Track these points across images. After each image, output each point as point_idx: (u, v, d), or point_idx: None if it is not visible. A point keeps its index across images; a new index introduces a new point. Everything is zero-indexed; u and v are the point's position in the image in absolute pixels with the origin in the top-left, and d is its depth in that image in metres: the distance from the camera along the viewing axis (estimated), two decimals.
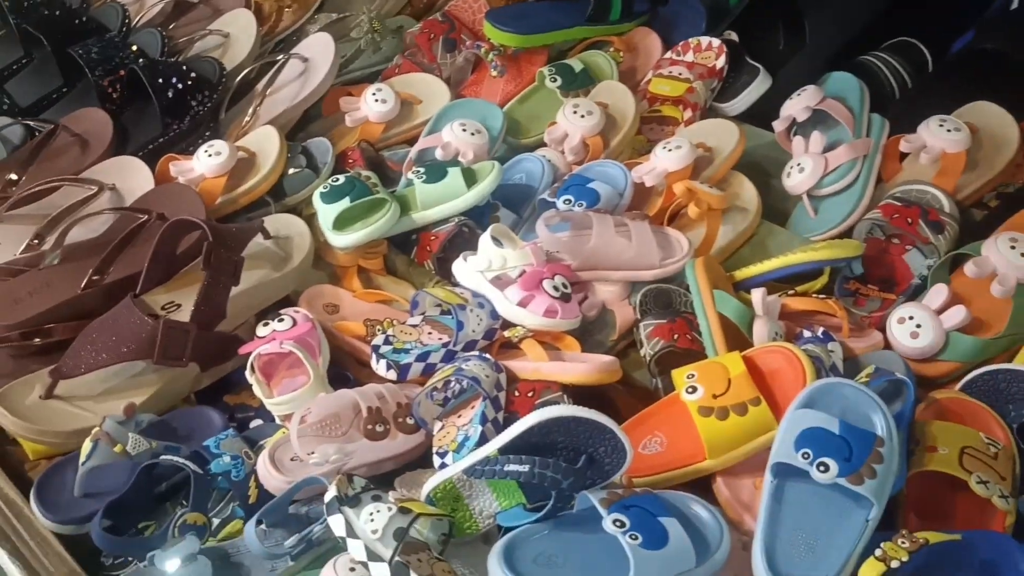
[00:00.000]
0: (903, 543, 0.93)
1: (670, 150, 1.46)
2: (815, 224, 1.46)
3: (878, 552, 0.93)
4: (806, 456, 0.98)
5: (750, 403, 1.08)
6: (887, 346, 1.26)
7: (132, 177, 1.46)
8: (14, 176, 1.41)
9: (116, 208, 1.37)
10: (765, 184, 1.54)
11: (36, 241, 1.31)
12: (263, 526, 1.05)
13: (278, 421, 1.18)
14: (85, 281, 1.25)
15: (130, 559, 1.03)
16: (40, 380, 1.15)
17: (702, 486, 1.11)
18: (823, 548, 0.96)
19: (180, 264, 1.28)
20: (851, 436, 0.99)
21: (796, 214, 1.50)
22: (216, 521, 1.09)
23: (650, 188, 1.47)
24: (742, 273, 1.34)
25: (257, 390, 1.18)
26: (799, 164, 1.49)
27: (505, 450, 1.01)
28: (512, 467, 0.98)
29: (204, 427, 1.17)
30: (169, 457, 1.07)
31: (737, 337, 1.23)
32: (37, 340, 1.21)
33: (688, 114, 1.63)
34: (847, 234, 1.42)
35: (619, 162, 1.49)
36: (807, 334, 1.23)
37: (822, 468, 0.97)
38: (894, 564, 0.92)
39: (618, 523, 0.95)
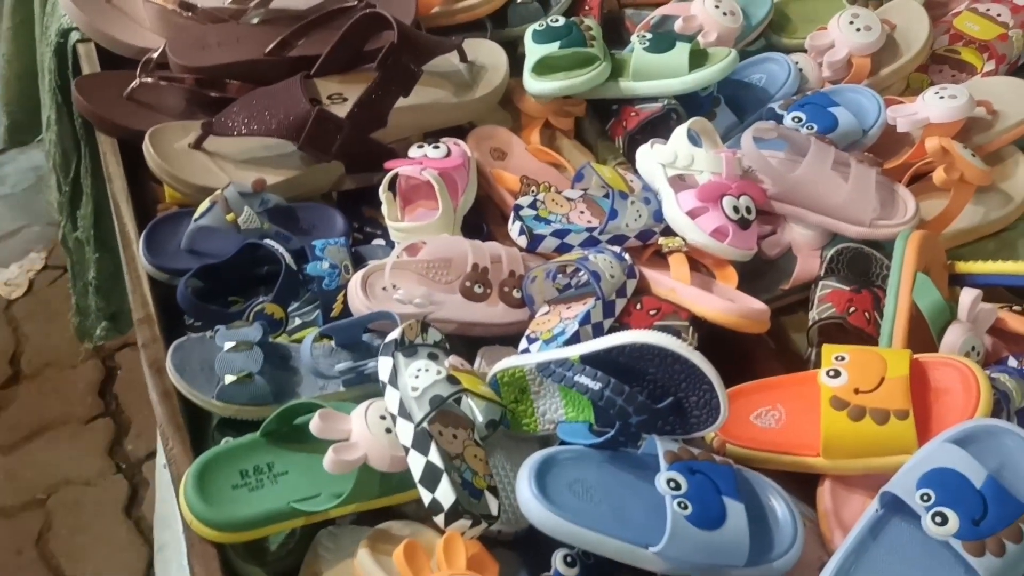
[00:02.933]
0: None
1: (942, 98, 1.20)
2: None
3: None
4: (925, 498, 0.79)
5: (895, 414, 0.88)
6: None
7: None
8: None
9: None
10: None
11: None
12: (331, 343, 1.01)
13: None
14: (270, 47, 1.22)
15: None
16: (195, 129, 1.14)
17: (809, 483, 0.95)
18: None
19: (364, 60, 1.22)
20: (993, 496, 0.78)
21: None
22: (298, 321, 1.06)
23: (902, 136, 1.23)
24: (967, 267, 1.10)
25: (385, 209, 1.12)
26: None
27: (587, 359, 0.89)
28: (583, 379, 0.86)
29: (325, 226, 1.13)
30: (271, 243, 1.04)
31: (923, 338, 1.01)
32: (212, 93, 1.21)
33: (991, 65, 1.34)
34: None
35: (879, 95, 1.25)
36: (1012, 363, 0.99)
37: (938, 519, 0.78)
38: None
39: (672, 484, 0.82)
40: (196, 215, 1.06)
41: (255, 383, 0.94)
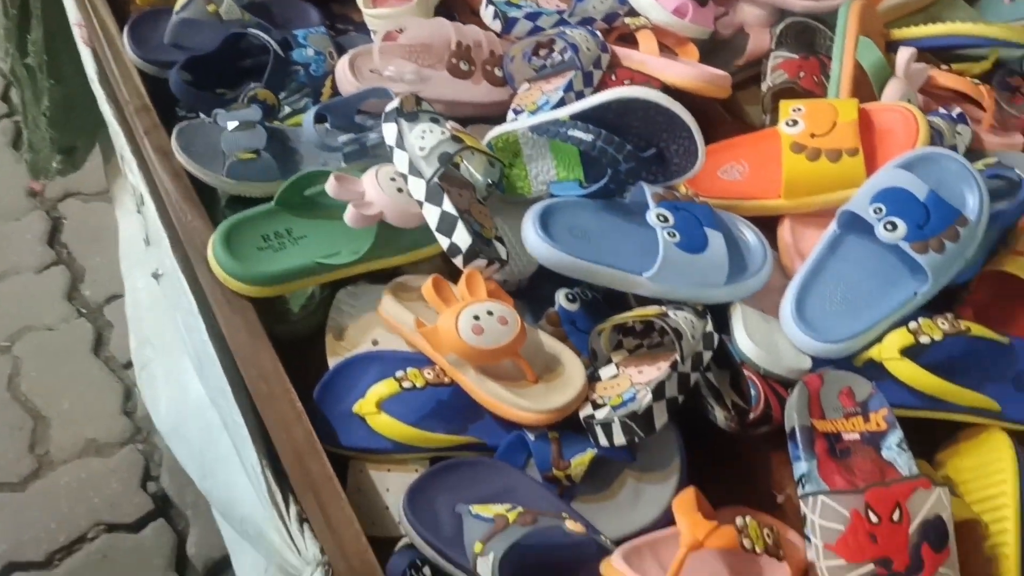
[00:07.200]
0: (942, 324, 0.88)
1: None
2: (1007, 11, 1.29)
3: (912, 324, 0.88)
4: (878, 211, 0.91)
5: (847, 152, 1.00)
6: None
7: None
8: None
9: None
10: None
11: None
12: (326, 124, 1.06)
13: (372, 37, 1.16)
14: None
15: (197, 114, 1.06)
16: None
17: (770, 227, 1.06)
18: (858, 305, 0.91)
19: None
20: (934, 206, 0.91)
21: None
22: (288, 109, 1.11)
23: None
24: (901, 32, 1.21)
25: None
26: None
27: (577, 118, 0.98)
28: (577, 133, 0.95)
29: (300, 19, 1.17)
30: (256, 32, 1.08)
31: (865, 96, 1.12)
32: None
33: None
34: None
35: None
36: (942, 111, 1.11)
37: (889, 227, 0.90)
38: (924, 340, 0.87)
39: (662, 218, 0.92)
40: (177, 7, 1.08)
41: (262, 159, 0.99)
